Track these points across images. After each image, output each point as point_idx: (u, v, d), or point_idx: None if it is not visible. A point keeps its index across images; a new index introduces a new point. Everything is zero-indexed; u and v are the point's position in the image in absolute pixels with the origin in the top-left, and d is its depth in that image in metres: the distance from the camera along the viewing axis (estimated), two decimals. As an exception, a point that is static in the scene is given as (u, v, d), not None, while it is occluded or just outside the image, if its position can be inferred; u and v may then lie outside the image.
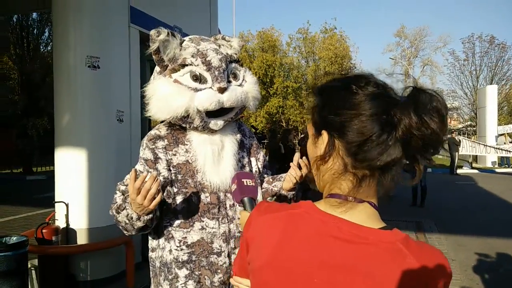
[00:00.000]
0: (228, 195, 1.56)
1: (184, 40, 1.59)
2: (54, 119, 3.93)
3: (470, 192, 10.98)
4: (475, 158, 18.73)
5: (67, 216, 3.77)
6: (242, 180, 1.30)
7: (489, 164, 17.97)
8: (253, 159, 1.74)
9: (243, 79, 1.63)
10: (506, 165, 17.33)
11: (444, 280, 0.71)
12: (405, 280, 0.68)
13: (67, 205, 3.78)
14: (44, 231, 3.58)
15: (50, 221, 3.65)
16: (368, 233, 0.72)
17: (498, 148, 15.54)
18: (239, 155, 1.66)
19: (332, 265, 0.71)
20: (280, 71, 29.04)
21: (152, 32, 1.48)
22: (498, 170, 16.61)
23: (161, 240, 1.55)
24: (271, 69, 27.63)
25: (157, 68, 1.59)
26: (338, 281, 0.70)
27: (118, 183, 1.56)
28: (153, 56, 1.52)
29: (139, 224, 1.41)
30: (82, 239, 3.77)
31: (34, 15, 20.15)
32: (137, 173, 1.54)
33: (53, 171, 3.94)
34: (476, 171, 16.37)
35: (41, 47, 22.64)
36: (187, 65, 1.51)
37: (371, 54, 63.21)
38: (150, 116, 1.55)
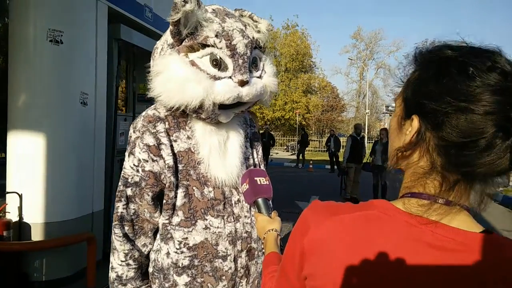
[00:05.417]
0: (233, 190, 1.37)
1: (207, 10, 1.30)
2: (8, 98, 3.47)
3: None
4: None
5: (20, 208, 3.36)
6: (255, 178, 1.14)
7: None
8: (254, 151, 1.56)
9: (263, 69, 1.40)
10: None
11: None
12: None
13: (20, 196, 3.37)
14: (-7, 225, 3.16)
15: (0, 214, 3.23)
16: (468, 239, 0.60)
17: None
18: (244, 146, 1.47)
19: (432, 279, 0.59)
20: (241, 64, 28.92)
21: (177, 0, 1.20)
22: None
23: (156, 241, 1.33)
24: (232, 62, 27.49)
25: (168, 39, 1.30)
26: None
27: (121, 184, 1.31)
28: (170, 27, 1.23)
29: None
30: (37, 234, 3.37)
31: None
32: (140, 163, 1.29)
33: (2, 158, 3.54)
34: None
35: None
36: (208, 45, 1.25)
37: (329, 54, 64.84)
38: (154, 97, 1.28)
